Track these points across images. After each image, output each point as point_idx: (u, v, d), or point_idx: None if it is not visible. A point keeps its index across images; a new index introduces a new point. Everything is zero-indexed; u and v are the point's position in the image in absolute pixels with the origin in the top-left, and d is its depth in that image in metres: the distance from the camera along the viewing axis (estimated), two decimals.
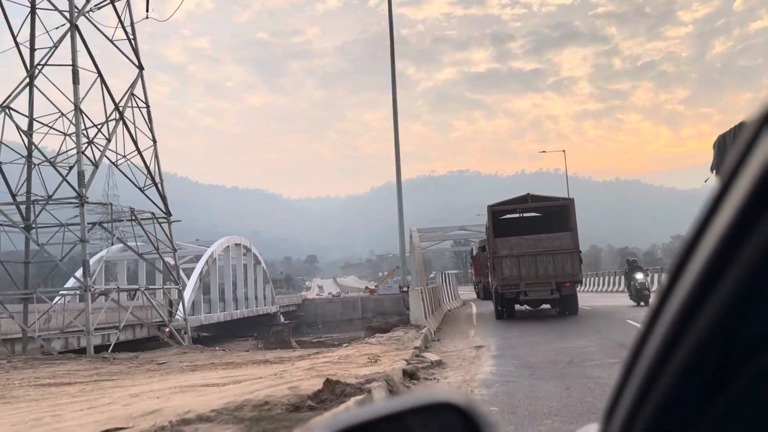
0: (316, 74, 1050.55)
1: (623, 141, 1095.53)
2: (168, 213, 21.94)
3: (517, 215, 22.15)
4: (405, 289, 25.12)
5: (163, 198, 22.07)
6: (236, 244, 66.18)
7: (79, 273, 26.03)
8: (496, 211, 20.51)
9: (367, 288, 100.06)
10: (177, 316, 30.18)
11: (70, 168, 20.99)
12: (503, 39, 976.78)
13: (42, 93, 22.31)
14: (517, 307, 20.06)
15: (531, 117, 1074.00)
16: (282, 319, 65.40)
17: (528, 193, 20.22)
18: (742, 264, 0.54)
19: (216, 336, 44.32)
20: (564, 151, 48.39)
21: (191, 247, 62.16)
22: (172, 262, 30.71)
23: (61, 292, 29.43)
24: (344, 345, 16.82)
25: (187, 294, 40.22)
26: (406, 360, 9.90)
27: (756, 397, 0.57)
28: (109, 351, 20.72)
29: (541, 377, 8.67)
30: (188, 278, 47.06)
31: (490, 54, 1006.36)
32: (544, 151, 45.57)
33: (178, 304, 30.66)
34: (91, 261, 29.95)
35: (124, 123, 22.68)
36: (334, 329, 53.63)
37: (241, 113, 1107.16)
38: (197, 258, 53.17)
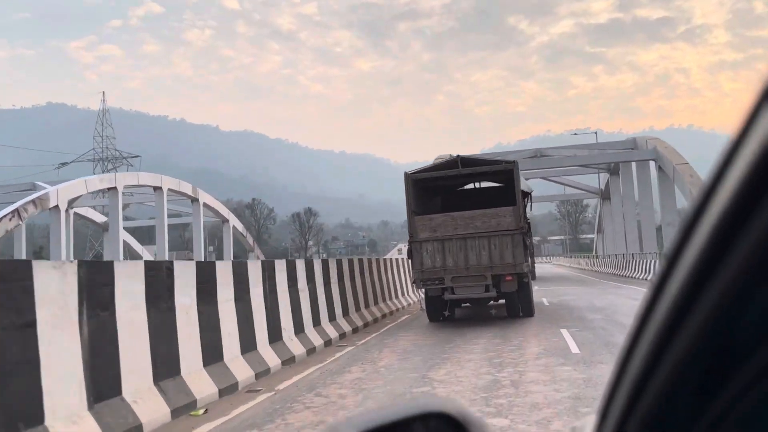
0: (424, 35, 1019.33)
1: None
2: None
3: (466, 186, 18.49)
4: None
5: None
6: (157, 187, 41.34)
7: None
8: (417, 181, 15.41)
9: None
10: None
11: None
12: None
13: None
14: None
15: (658, 70, 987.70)
16: None
17: (458, 155, 15.64)
18: (742, 250, 0.50)
19: None
20: None
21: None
22: None
23: None
24: None
25: None
26: None
27: (753, 393, 0.54)
28: None
29: None
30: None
31: (611, 3, 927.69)
32: None
33: None
34: None
35: None
36: None
37: (350, 79, 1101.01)
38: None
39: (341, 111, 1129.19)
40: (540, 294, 22.38)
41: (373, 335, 12.82)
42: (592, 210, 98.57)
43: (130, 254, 67.58)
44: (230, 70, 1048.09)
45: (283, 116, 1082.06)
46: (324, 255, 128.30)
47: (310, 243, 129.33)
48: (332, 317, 12.58)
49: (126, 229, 64.80)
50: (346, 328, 13.03)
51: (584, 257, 67.57)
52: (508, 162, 15.40)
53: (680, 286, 0.56)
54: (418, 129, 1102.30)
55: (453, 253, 14.43)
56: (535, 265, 43.62)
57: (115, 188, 38.47)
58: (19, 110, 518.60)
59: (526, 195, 16.65)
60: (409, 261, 15.56)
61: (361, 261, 16.39)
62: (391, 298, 18.70)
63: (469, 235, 14.34)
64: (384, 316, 16.57)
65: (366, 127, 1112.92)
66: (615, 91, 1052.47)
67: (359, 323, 14.09)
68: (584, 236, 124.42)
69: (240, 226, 55.27)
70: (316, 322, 11.54)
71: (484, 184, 18.51)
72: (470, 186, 18.68)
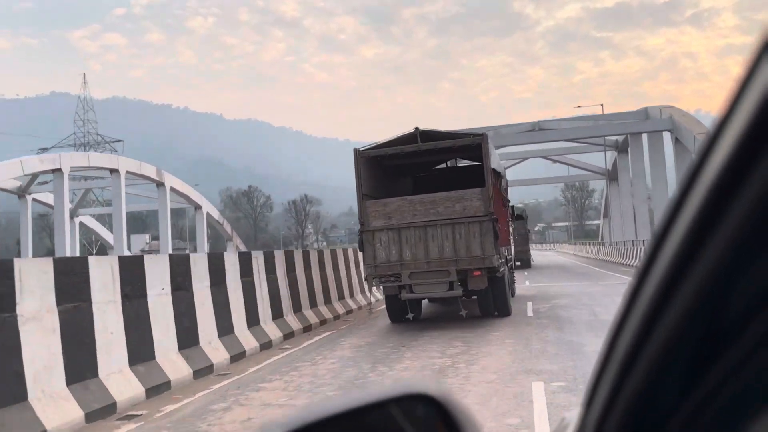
0: (429, 21, 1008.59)
1: None
2: None
3: (442, 166, 16.63)
4: None
5: None
6: (113, 170, 37.57)
7: None
8: (371, 158, 13.37)
9: None
10: None
11: None
12: None
13: None
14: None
15: (665, 55, 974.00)
16: None
17: (417, 128, 13.08)
18: (736, 216, 0.48)
19: None
20: None
21: None
22: None
23: None
24: None
25: None
26: None
27: (737, 379, 0.53)
28: None
29: None
30: None
31: None
32: None
33: None
34: None
35: None
36: None
37: (354, 66, 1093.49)
38: None
39: (345, 99, 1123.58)
40: (528, 294, 17.73)
41: (234, 378, 8.10)
42: (599, 195, 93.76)
43: (102, 245, 63.36)
44: (234, 58, 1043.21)
45: (287, 104, 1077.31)
46: (323, 243, 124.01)
47: (310, 231, 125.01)
48: (186, 345, 8.09)
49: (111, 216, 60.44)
50: (213, 359, 8.42)
51: (589, 244, 62.95)
52: (477, 135, 13.15)
53: (669, 262, 0.54)
54: (424, 116, 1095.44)
55: (411, 244, 12.62)
56: (532, 252, 39.64)
57: (60, 170, 34.08)
58: (23, 99, 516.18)
59: (499, 176, 14.19)
60: (361, 254, 13.29)
61: (248, 257, 11.62)
62: (321, 304, 14.15)
63: (430, 222, 12.42)
64: (290, 334, 11.96)
65: (371, 115, 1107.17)
66: (621, 76, 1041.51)
67: (244, 348, 9.52)
68: (590, 222, 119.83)
69: (216, 213, 50.72)
70: (144, 356, 6.96)
71: (462, 163, 16.52)
72: (454, 165, 16.63)
